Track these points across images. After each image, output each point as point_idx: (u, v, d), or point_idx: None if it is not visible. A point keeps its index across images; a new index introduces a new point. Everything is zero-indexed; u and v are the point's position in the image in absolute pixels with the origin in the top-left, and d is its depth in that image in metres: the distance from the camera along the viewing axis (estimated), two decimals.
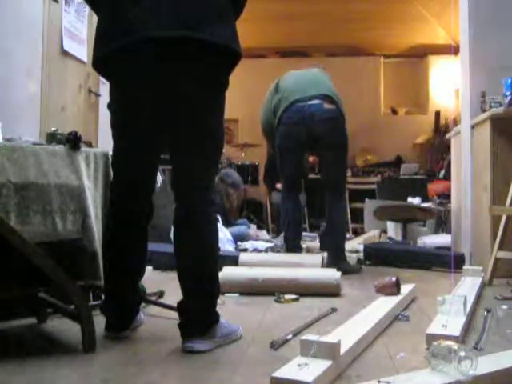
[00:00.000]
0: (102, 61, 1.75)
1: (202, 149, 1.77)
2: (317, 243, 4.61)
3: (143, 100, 1.74)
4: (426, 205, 5.28)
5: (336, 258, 3.41)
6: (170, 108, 1.74)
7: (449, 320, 1.83)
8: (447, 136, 4.80)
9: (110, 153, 2.35)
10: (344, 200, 3.53)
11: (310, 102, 3.42)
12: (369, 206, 5.81)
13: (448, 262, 3.44)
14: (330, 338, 1.47)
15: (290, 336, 1.84)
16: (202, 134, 1.76)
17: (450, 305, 1.94)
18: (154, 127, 1.79)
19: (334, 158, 3.50)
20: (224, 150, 6.20)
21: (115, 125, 1.84)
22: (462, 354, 1.29)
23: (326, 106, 3.42)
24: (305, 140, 3.46)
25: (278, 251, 4.08)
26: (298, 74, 3.69)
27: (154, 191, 1.93)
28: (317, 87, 3.48)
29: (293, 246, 3.63)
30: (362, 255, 4.01)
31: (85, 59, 3.72)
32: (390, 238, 4.98)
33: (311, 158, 5.65)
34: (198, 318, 1.74)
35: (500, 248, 2.94)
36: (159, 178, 4.16)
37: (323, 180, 3.63)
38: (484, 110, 3.36)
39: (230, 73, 1.82)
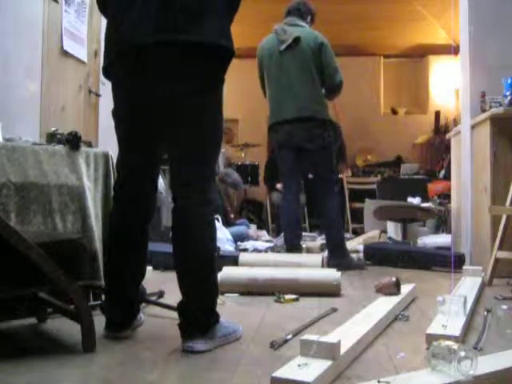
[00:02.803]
0: (107, 70, 1.84)
1: (199, 149, 1.77)
2: (317, 243, 4.61)
3: (142, 103, 1.76)
4: (425, 205, 5.27)
5: (337, 255, 3.41)
6: (167, 110, 1.75)
7: (449, 320, 1.83)
8: (447, 136, 4.80)
9: (110, 153, 2.35)
10: (335, 196, 3.55)
11: (286, 128, 3.57)
12: (369, 206, 5.81)
13: (448, 262, 3.44)
14: (329, 338, 1.47)
15: (289, 336, 1.84)
16: (198, 134, 1.77)
17: (450, 305, 1.94)
18: (153, 129, 1.82)
19: (316, 159, 3.59)
20: (224, 150, 6.19)
21: (118, 129, 1.88)
22: (462, 354, 1.29)
23: (301, 126, 3.53)
24: (292, 142, 3.58)
25: (278, 251, 4.08)
26: (274, 78, 3.67)
27: (156, 192, 1.94)
28: (292, 106, 3.54)
29: (293, 246, 3.63)
30: (361, 255, 4.01)
31: (85, 59, 3.71)
32: (389, 238, 4.97)
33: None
34: (198, 318, 1.74)
35: (500, 248, 2.94)
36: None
37: (313, 179, 3.74)
38: (484, 110, 3.36)
39: (224, 70, 1.81)
